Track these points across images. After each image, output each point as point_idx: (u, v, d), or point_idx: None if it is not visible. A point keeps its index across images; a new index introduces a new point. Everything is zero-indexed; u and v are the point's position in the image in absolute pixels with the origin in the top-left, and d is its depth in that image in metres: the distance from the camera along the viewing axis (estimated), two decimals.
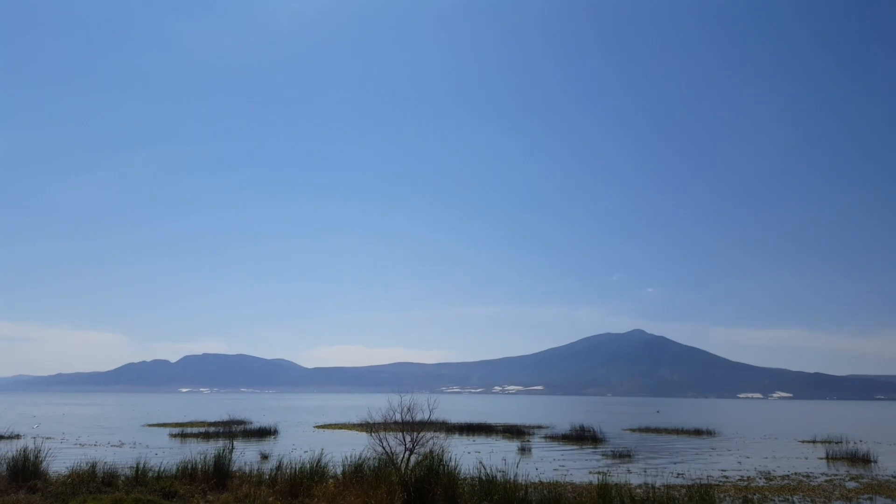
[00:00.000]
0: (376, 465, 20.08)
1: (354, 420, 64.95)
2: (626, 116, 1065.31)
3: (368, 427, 23.88)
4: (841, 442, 45.32)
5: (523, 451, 38.60)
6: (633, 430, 63.23)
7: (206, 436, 47.15)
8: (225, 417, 65.52)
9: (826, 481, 26.93)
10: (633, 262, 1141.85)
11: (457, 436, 51.03)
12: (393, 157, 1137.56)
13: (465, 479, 19.39)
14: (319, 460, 21.01)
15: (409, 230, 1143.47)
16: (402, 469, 19.12)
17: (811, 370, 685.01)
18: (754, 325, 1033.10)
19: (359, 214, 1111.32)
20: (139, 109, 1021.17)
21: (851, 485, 25.96)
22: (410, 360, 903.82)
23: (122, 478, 19.87)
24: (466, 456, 33.38)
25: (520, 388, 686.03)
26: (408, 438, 22.50)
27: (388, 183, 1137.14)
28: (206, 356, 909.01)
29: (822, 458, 37.19)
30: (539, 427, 63.11)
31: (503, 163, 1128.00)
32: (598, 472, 26.35)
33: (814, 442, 50.29)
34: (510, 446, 41.97)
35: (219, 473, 20.57)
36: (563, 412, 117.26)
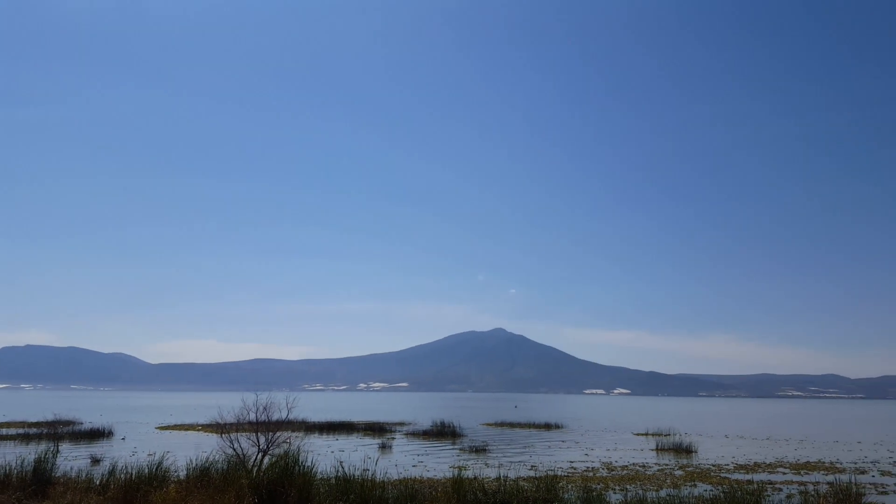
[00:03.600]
0: (225, 467, 18.99)
1: (203, 420, 61.50)
2: (503, 116, 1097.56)
3: (219, 428, 22.59)
4: (669, 434, 49.74)
5: (384, 448, 38.55)
6: (491, 425, 65.47)
7: (26, 438, 42.06)
8: (50, 417, 58.89)
9: (658, 470, 29.38)
10: (499, 263, 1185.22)
11: (317, 435, 49.97)
12: (261, 148, 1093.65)
13: (321, 479, 18.90)
14: (160, 463, 19.47)
15: (275, 219, 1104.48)
16: (254, 471, 18.28)
17: (647, 369, 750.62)
18: (601, 326, 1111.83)
19: (216, 198, 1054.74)
20: None
21: (679, 473, 28.52)
22: (270, 357, 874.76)
23: None
24: (326, 455, 32.73)
25: (385, 385, 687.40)
26: (262, 439, 21.56)
27: (252, 169, 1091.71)
28: (29, 348, 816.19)
29: (653, 450, 40.65)
30: (401, 424, 63.44)
31: (374, 157, 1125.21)
32: (457, 467, 26.84)
33: (647, 435, 54.88)
34: (371, 444, 41.74)
35: (38, 480, 18.35)
36: (425, 409, 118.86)
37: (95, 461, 28.90)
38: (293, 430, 26.36)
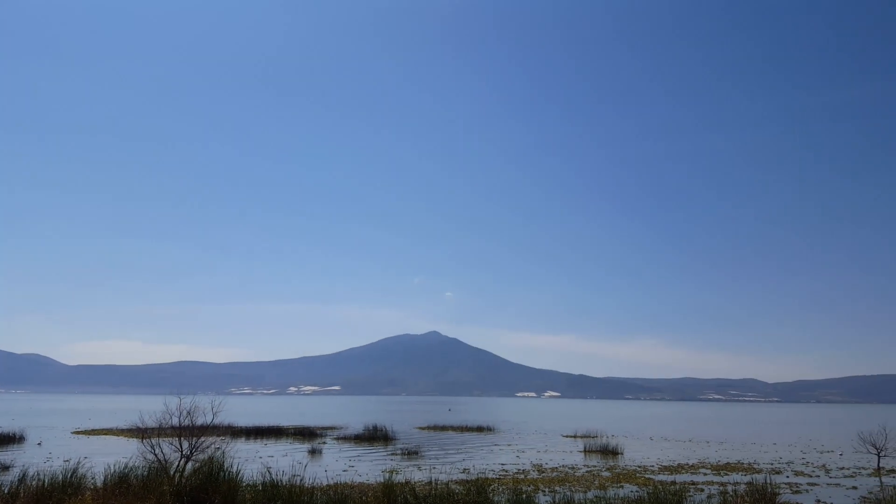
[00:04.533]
0: (146, 474, 18.12)
1: (123, 425, 58.74)
2: (441, 120, 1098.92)
3: (140, 432, 21.55)
4: (597, 436, 50.98)
5: (314, 453, 37.79)
6: (424, 429, 65.36)
7: None
8: None
9: (587, 472, 29.98)
10: (435, 266, 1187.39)
11: (244, 440, 48.55)
12: (187, 144, 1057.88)
13: (247, 485, 18.29)
14: (76, 470, 18.41)
15: (204, 217, 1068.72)
16: (177, 478, 17.49)
17: (577, 372, 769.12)
18: (535, 331, 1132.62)
19: (137, 196, 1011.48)
20: None
21: (606, 474, 29.18)
22: (196, 359, 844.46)
23: None
24: (253, 461, 31.80)
25: (316, 388, 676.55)
26: (185, 444, 20.65)
27: (171, 170, 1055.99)
28: None
29: (581, 452, 41.53)
30: (332, 428, 62.48)
31: (308, 158, 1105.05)
32: (388, 471, 26.57)
33: (575, 437, 56.06)
34: (301, 449, 40.85)
35: None
36: (358, 412, 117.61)
37: (4, 468, 27.05)
38: (219, 436, 25.35)
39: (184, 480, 16.72)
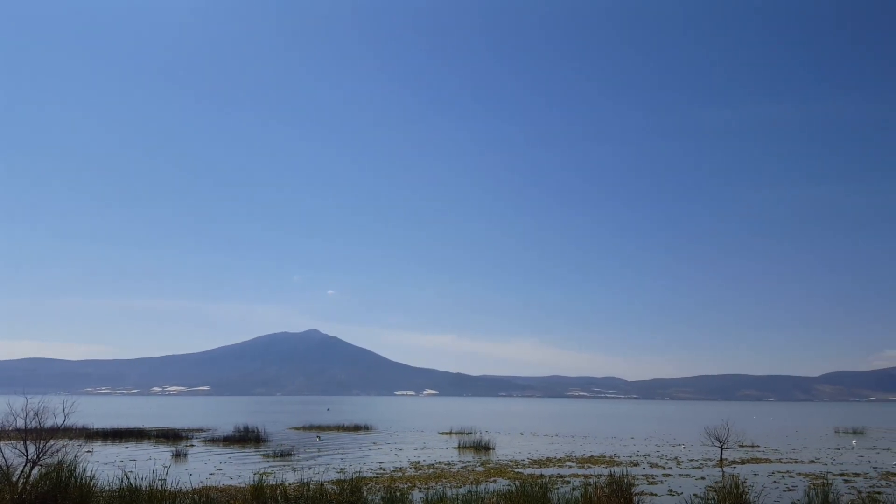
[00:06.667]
0: None
1: None
2: (325, 110, 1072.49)
3: None
4: (471, 433, 52.31)
5: (179, 456, 35.76)
6: (300, 429, 63.87)
7: None
8: None
9: (462, 468, 30.65)
10: (317, 263, 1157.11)
11: (101, 443, 45.11)
12: (51, 135, 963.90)
13: (102, 491, 16.97)
14: None
15: (59, 200, 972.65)
16: (20, 485, 15.88)
17: (454, 370, 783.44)
18: (416, 330, 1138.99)
19: None
20: None
21: (480, 469, 30.00)
22: (48, 356, 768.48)
23: None
24: (111, 465, 29.61)
25: (183, 388, 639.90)
26: (31, 448, 18.82)
27: (37, 145, 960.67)
28: None
29: (456, 448, 42.45)
30: (200, 430, 59.45)
31: (186, 143, 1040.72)
32: (262, 473, 25.69)
33: (450, 433, 57.28)
34: (165, 452, 38.51)
35: None
36: (228, 413, 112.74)
37: None
38: (71, 438, 23.37)
39: (28, 487, 15.22)
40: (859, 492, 24.12)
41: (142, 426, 57.96)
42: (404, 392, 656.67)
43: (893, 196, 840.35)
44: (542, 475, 27.34)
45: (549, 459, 35.56)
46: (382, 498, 18.51)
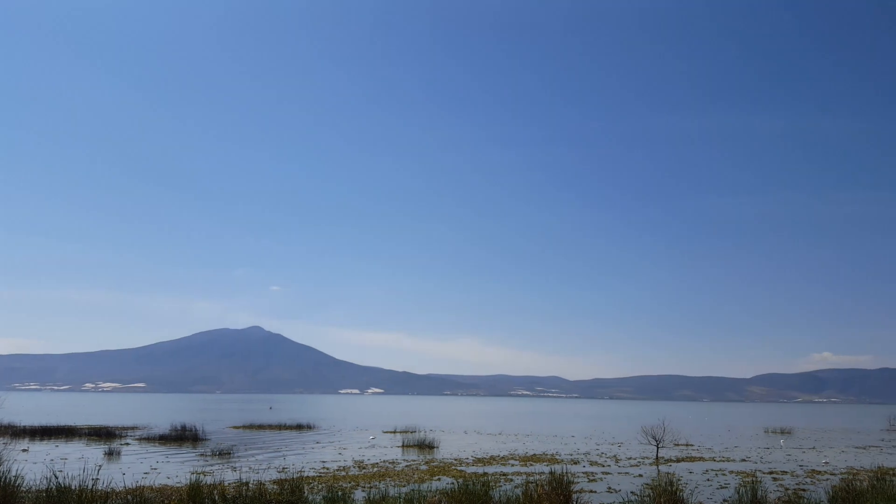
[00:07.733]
0: None
1: None
2: (266, 106, 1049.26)
3: None
4: (415, 432, 52.29)
5: (112, 455, 34.47)
6: (240, 428, 62.47)
7: None
8: None
9: (406, 466, 30.60)
10: (260, 258, 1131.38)
11: (28, 441, 43.08)
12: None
13: (29, 491, 16.17)
14: None
15: None
16: None
17: (401, 369, 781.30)
18: (362, 328, 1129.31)
19: None
20: None
21: (424, 468, 30.01)
22: None
23: None
24: (38, 464, 28.30)
25: (117, 385, 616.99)
26: None
27: None
28: None
29: (400, 447, 42.38)
30: (133, 428, 57.48)
31: (132, 131, 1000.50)
32: (200, 473, 25.01)
33: (395, 432, 57.24)
34: (97, 450, 37.04)
35: None
36: (164, 411, 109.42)
37: None
38: None
39: None
40: (786, 489, 25.25)
41: (73, 424, 55.59)
42: (349, 390, 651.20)
43: (824, 206, 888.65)
44: (485, 473, 27.56)
45: (492, 458, 35.88)
46: (324, 497, 18.27)
